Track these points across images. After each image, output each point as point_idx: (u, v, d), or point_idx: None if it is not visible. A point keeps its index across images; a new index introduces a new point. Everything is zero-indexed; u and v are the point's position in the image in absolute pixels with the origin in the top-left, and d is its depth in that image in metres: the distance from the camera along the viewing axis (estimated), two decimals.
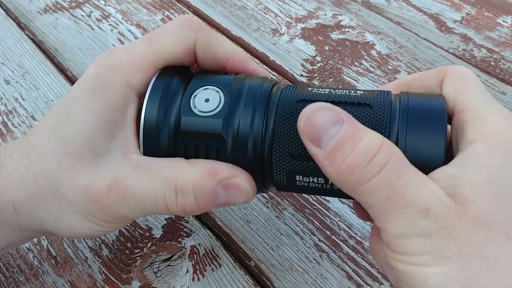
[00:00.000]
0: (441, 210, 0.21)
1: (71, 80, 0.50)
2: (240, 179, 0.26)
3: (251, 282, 0.34)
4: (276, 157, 0.25)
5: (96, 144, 0.26)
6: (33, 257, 0.36)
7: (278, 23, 0.57)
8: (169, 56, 0.28)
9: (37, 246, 0.36)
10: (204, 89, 0.26)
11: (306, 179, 0.25)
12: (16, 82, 0.50)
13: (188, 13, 0.59)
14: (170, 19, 0.58)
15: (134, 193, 0.25)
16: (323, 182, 0.25)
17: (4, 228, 0.28)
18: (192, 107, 0.26)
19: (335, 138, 0.21)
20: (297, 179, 0.25)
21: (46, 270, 0.35)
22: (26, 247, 0.36)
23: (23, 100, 0.48)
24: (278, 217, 0.37)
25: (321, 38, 0.54)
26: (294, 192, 0.26)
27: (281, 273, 0.34)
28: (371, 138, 0.21)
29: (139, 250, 0.36)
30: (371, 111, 0.24)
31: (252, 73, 0.29)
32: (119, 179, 0.25)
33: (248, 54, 0.52)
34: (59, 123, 0.26)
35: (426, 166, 0.22)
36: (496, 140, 0.22)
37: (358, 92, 0.25)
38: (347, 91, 0.25)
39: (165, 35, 0.28)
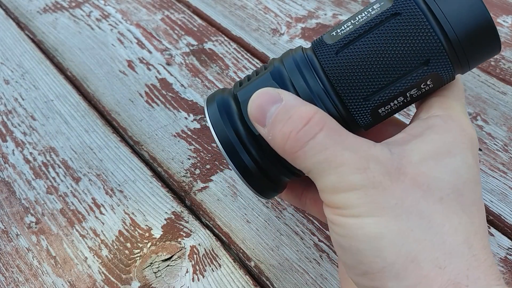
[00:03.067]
0: (379, 168, 0.22)
1: (71, 80, 0.50)
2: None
3: (251, 282, 0.34)
4: (353, 107, 0.25)
5: None
6: (32, 257, 0.36)
7: (278, 23, 0.57)
8: None
9: (37, 246, 0.36)
10: None
11: (388, 107, 0.26)
12: (16, 82, 0.50)
13: (188, 13, 0.59)
14: (170, 19, 0.58)
15: None
16: (403, 99, 0.25)
17: None
18: None
19: (273, 114, 0.24)
20: (380, 112, 0.26)
21: (46, 270, 0.35)
22: (26, 247, 0.36)
23: (23, 100, 0.48)
24: (278, 217, 0.37)
25: None
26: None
27: (281, 273, 0.34)
28: (304, 109, 0.23)
29: (138, 250, 0.36)
30: (401, 18, 0.24)
31: None
32: None
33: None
34: None
35: (475, 25, 0.23)
36: (457, 124, 0.24)
37: (375, 5, 0.25)
38: (366, 13, 0.25)
39: None
